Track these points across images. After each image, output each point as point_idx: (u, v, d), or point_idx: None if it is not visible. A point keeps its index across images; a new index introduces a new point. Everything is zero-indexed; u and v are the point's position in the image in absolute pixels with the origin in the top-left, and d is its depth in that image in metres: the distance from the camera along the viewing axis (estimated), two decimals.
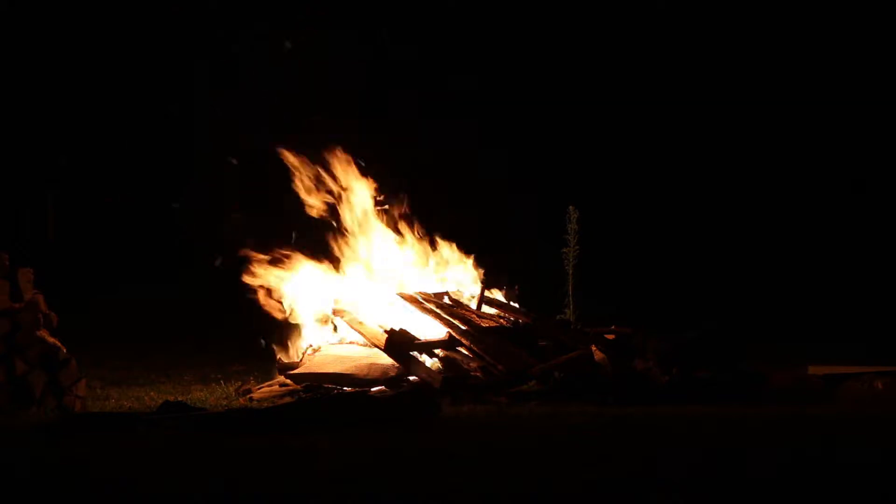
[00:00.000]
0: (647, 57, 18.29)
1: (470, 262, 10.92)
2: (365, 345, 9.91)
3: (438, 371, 9.37)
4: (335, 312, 10.01)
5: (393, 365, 9.43)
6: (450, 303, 10.29)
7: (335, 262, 10.80)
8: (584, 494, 5.40)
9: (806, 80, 17.94)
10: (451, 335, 9.63)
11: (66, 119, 18.10)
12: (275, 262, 10.60)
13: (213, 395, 9.63)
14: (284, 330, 10.52)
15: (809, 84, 17.93)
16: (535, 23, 18.30)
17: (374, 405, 7.74)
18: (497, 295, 10.75)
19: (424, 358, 9.52)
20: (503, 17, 18.15)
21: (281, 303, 10.56)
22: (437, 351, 9.56)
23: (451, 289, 10.60)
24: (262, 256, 10.63)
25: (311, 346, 10.21)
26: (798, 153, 18.20)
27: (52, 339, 8.60)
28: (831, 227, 17.53)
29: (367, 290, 10.48)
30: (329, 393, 9.35)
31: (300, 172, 10.78)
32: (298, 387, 9.57)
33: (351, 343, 10.10)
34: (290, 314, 10.52)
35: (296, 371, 9.81)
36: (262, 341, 10.54)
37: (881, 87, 17.57)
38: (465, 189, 16.80)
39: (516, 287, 11.00)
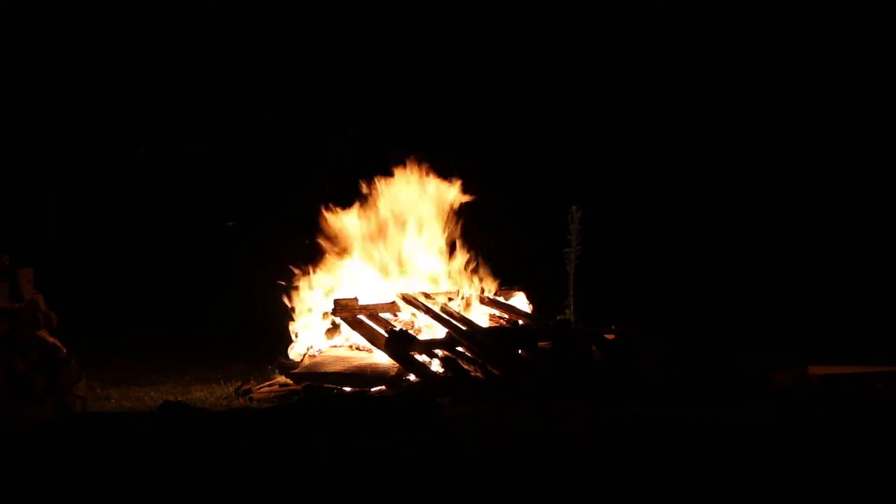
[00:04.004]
0: (649, 55, 18.29)
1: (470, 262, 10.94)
2: (364, 346, 9.92)
3: (438, 371, 9.37)
4: (335, 312, 10.01)
5: (393, 365, 9.43)
6: (450, 303, 10.30)
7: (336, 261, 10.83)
8: (584, 495, 5.40)
9: (808, 78, 17.94)
10: (450, 335, 9.63)
11: (66, 118, 18.11)
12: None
13: (213, 395, 9.63)
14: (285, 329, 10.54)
15: (811, 83, 17.93)
16: (536, 20, 18.29)
17: (374, 405, 7.73)
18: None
19: (424, 358, 9.52)
20: (505, 13, 18.15)
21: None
22: (437, 351, 9.56)
23: (451, 289, 10.60)
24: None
25: (311, 346, 10.22)
26: (798, 152, 18.20)
27: (52, 339, 8.60)
28: (830, 226, 17.52)
29: (367, 289, 10.49)
30: (329, 393, 9.36)
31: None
32: (298, 387, 9.57)
33: (350, 344, 10.11)
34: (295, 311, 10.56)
35: (296, 371, 9.81)
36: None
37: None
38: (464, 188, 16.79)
39: (517, 287, 11.01)
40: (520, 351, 9.52)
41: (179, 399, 8.85)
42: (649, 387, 8.88)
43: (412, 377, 9.31)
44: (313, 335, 10.35)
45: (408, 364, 9.32)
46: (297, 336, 10.40)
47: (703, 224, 18.03)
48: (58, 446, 6.61)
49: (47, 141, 18.08)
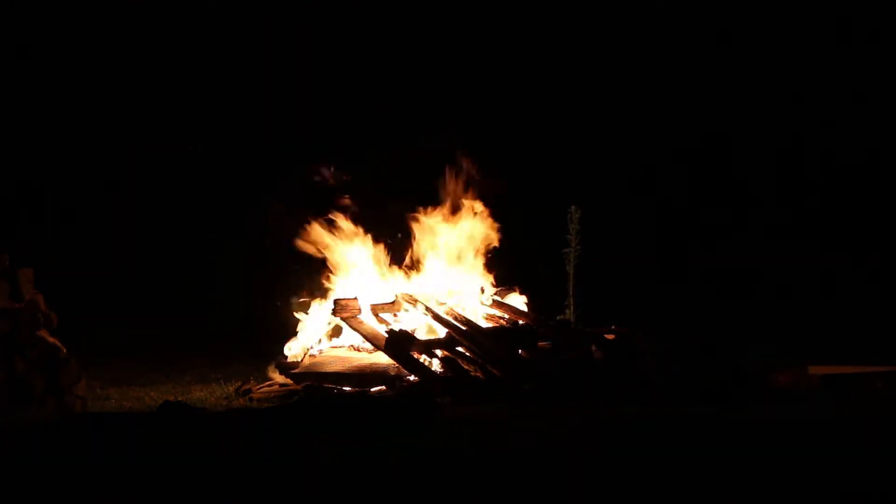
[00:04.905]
0: (650, 55, 18.29)
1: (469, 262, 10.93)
2: (364, 345, 9.92)
3: (438, 371, 9.37)
4: (335, 312, 10.01)
5: (393, 365, 9.43)
6: (450, 303, 10.30)
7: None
8: (584, 495, 5.40)
9: (808, 78, 17.94)
10: (450, 335, 9.62)
11: (65, 118, 18.12)
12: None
13: (213, 395, 9.63)
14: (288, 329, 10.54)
15: (811, 83, 17.93)
16: (537, 20, 18.30)
17: (374, 405, 7.73)
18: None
19: (424, 358, 9.51)
20: (505, 14, 18.15)
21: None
22: (437, 351, 9.55)
23: (451, 289, 10.60)
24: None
25: (311, 346, 10.21)
26: (798, 152, 18.20)
27: (52, 339, 8.60)
28: (830, 226, 17.53)
29: (367, 289, 10.49)
30: (329, 393, 9.36)
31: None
32: (298, 387, 9.57)
33: (350, 344, 10.11)
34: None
35: (296, 371, 9.81)
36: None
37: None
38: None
39: (516, 287, 11.01)
40: (520, 351, 9.51)
41: (179, 399, 8.85)
42: (649, 387, 8.88)
43: (412, 377, 9.31)
44: (313, 335, 10.35)
45: (408, 364, 9.32)
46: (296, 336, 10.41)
47: (703, 224, 18.03)
48: (58, 446, 6.60)
49: (47, 141, 18.08)
